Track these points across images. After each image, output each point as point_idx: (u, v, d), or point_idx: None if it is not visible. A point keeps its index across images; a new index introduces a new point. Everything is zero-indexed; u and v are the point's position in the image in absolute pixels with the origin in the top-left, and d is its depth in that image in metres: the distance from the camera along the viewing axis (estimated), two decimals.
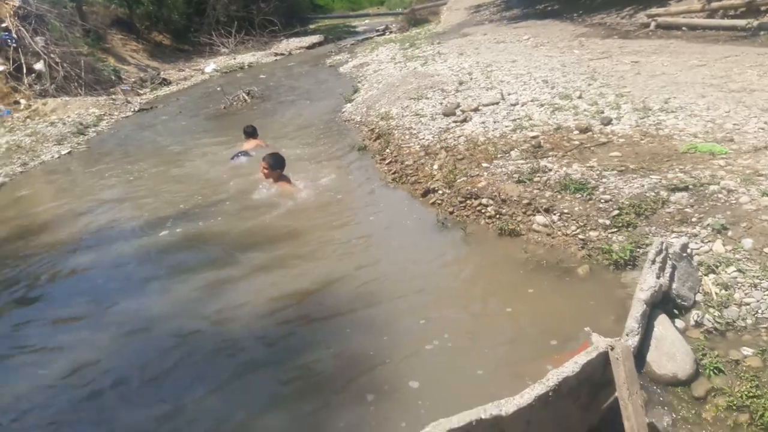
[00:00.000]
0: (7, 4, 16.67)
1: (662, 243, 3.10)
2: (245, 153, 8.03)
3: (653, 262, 3.03)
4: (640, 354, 2.81)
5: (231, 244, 5.22)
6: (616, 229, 4.01)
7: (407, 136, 6.95)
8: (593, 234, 4.07)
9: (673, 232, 3.77)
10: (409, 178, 6.03)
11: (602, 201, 4.26)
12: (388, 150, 6.86)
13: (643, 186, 4.30)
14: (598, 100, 6.54)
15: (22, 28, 16.09)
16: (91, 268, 5.25)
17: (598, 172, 4.67)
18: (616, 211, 4.11)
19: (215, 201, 6.39)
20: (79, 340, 4.01)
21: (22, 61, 15.32)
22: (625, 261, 3.72)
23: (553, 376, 2.27)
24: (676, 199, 4.02)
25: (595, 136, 5.55)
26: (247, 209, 6.03)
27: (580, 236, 4.10)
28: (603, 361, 2.34)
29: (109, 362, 3.71)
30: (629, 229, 3.96)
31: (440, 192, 5.43)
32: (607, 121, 5.77)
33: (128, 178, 8.01)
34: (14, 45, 15.48)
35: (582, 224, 4.17)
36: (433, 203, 5.39)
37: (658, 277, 2.99)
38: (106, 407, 3.31)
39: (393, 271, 4.35)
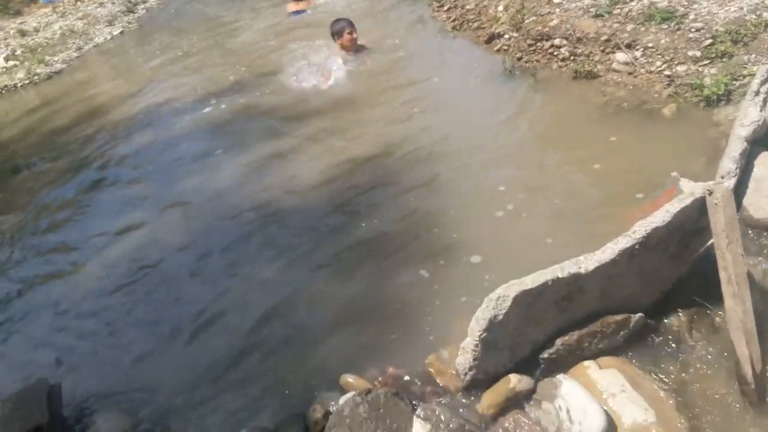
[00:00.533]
0: None
1: None
2: (300, 12, 7.82)
3: (757, 93, 2.68)
4: (736, 196, 2.56)
5: (286, 114, 5.07)
6: (708, 61, 3.57)
7: None
8: (681, 69, 3.65)
9: None
10: (471, 24, 5.57)
11: (693, 30, 3.76)
12: None
13: (741, 8, 3.75)
14: None
15: None
16: (149, 148, 5.27)
17: None
18: (709, 40, 3.63)
19: (267, 71, 6.18)
20: (143, 220, 4.09)
21: None
22: (718, 96, 3.34)
23: (641, 228, 2.10)
24: None
25: None
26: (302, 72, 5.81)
27: (666, 72, 3.69)
28: (699, 207, 2.13)
29: (174, 240, 3.79)
30: (724, 59, 3.52)
31: (507, 36, 4.99)
32: None
33: (179, 55, 7.84)
34: None
35: (669, 58, 3.73)
36: (499, 50, 4.99)
37: (761, 110, 2.65)
38: (173, 281, 3.43)
39: (458, 130, 4.10)
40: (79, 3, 13.02)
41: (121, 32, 10.63)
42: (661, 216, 2.11)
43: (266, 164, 4.39)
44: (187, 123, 5.53)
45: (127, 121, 6.03)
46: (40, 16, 12.23)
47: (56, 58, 9.52)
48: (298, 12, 7.94)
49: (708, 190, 2.09)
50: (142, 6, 12.37)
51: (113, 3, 12.44)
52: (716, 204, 2.07)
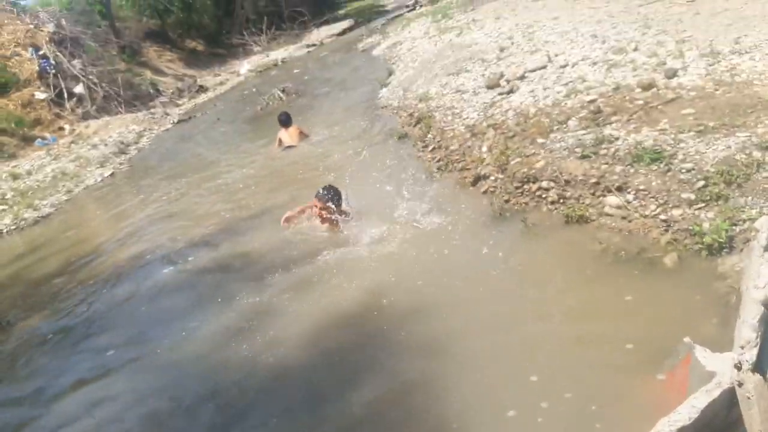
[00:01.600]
0: (42, 30, 16.95)
1: None
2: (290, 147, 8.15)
3: (765, 248, 2.46)
4: (758, 370, 2.26)
5: (270, 264, 4.88)
6: (703, 204, 3.41)
7: (449, 117, 6.43)
8: (677, 212, 3.48)
9: None
10: (455, 165, 5.53)
11: (683, 171, 3.64)
12: (429, 135, 6.38)
13: (729, 147, 3.66)
14: (658, 50, 5.81)
15: (59, 54, 16.33)
16: (131, 299, 5.12)
17: (672, 135, 4.03)
18: (702, 182, 3.50)
19: (255, 214, 6.09)
20: (118, 376, 3.90)
21: (63, 87, 15.54)
22: (720, 244, 3.13)
23: (664, 427, 1.78)
24: None
25: (660, 92, 4.87)
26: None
27: (662, 217, 3.52)
28: (728, 399, 1.83)
29: (146, 399, 3.58)
30: (719, 202, 3.36)
31: (492, 178, 4.91)
32: (672, 73, 5.08)
33: (167, 197, 7.85)
34: (53, 71, 15.72)
35: (662, 202, 3.58)
36: (486, 191, 4.88)
37: None
38: None
39: (447, 279, 3.89)
40: (73, 145, 13.33)
41: (112, 174, 10.78)
42: (687, 412, 1.81)
43: (246, 324, 4.11)
44: (169, 276, 5.36)
45: (107, 272, 5.86)
46: (34, 159, 12.47)
47: (45, 202, 9.54)
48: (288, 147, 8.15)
49: (738, 381, 1.79)
50: (134, 147, 12.67)
51: (106, 145, 12.74)
52: (749, 398, 1.77)
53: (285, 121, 8.66)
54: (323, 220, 5.07)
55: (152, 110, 15.79)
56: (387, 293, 3.93)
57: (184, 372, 3.79)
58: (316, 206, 5.02)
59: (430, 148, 6.09)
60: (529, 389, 2.78)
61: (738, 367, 1.88)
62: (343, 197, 5.09)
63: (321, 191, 5.00)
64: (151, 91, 17.87)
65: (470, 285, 3.76)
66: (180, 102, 17.24)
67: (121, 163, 11.44)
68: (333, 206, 4.94)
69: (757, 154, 3.50)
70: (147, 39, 23.19)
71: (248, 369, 3.61)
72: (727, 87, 4.54)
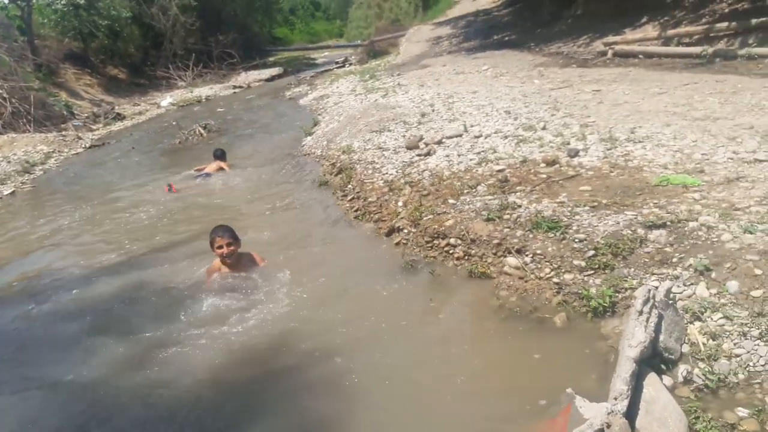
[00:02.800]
0: None
1: (649, 291, 2.87)
2: (207, 174, 8.29)
3: (640, 312, 2.79)
4: (628, 419, 2.52)
5: (175, 295, 4.81)
6: (592, 271, 3.77)
7: (370, 171, 6.68)
8: (568, 277, 3.82)
9: (653, 274, 3.53)
10: (372, 215, 5.74)
11: (576, 240, 4.02)
12: (350, 185, 6.58)
13: (618, 223, 4.08)
14: (563, 131, 6.40)
15: None
16: (23, 321, 4.81)
17: (569, 208, 4.44)
18: (592, 252, 3.87)
19: (161, 246, 5.98)
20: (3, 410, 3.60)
21: None
22: (604, 308, 3.46)
23: None
24: (655, 237, 3.80)
25: (562, 168, 5.36)
26: (195, 256, 5.62)
27: (555, 279, 3.84)
28: None
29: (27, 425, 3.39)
30: (606, 271, 3.72)
31: (405, 231, 5.14)
32: (574, 153, 5.61)
33: (70, 222, 7.52)
34: None
35: (556, 266, 3.92)
36: (398, 243, 5.09)
37: (645, 330, 2.73)
38: None
39: (354, 323, 3.99)
40: None
41: (13, 192, 10.17)
42: None
43: (146, 355, 3.99)
44: (65, 302, 5.10)
45: (2, 291, 5.48)
46: None
47: None
48: (203, 174, 8.14)
49: (606, 423, 2.02)
50: (40, 167, 12.06)
51: (9, 162, 12.06)
52: None
53: (220, 156, 9.18)
54: (226, 262, 4.82)
55: (64, 132, 15.14)
56: (294, 334, 3.97)
57: (73, 398, 3.61)
58: (221, 246, 4.71)
59: (350, 197, 6.28)
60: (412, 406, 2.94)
61: (609, 412, 2.11)
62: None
63: (219, 231, 4.78)
64: (65, 113, 17.20)
65: (376, 330, 3.88)
66: (95, 127, 16.66)
67: (23, 183, 10.83)
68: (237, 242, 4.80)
69: (641, 231, 3.92)
70: (66, 60, 22.44)
71: (144, 401, 3.50)
72: (621, 170, 5.07)
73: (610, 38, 12.11)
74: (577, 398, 2.61)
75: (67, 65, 22.22)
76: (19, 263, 6.24)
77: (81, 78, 22.31)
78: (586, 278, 3.75)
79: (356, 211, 5.96)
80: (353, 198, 6.25)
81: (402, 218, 5.28)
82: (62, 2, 22.13)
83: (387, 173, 6.41)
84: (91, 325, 4.61)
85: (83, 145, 14.02)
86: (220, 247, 4.71)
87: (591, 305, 3.50)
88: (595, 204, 4.43)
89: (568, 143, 5.94)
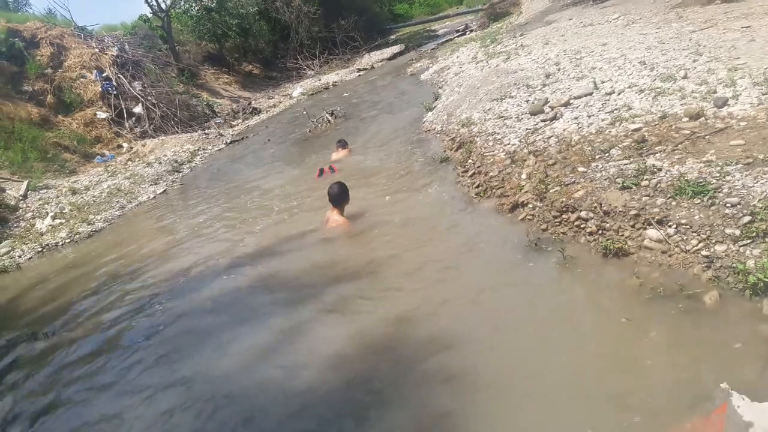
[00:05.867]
0: (106, 54, 17.81)
1: None
2: (331, 168, 8.36)
3: None
4: None
5: (305, 284, 4.96)
6: (749, 241, 3.24)
7: (491, 143, 6.38)
8: (720, 248, 3.31)
9: None
10: (494, 191, 5.46)
11: (728, 205, 3.48)
12: (470, 160, 6.33)
13: None
14: (708, 78, 5.62)
15: (121, 76, 17.12)
16: (171, 315, 5.20)
17: (719, 167, 3.87)
18: (748, 217, 3.33)
19: (295, 237, 6.16)
20: (148, 400, 3.90)
21: (123, 107, 16.28)
22: (766, 284, 2.96)
23: None
24: None
25: (709, 121, 4.70)
26: (325, 242, 5.75)
27: (704, 252, 3.36)
28: None
29: (169, 425, 3.58)
30: (767, 239, 3.18)
31: (531, 206, 4.82)
32: (722, 102, 4.89)
33: (214, 216, 8.05)
34: (115, 92, 16.49)
35: (705, 237, 3.42)
36: (523, 219, 4.79)
37: None
38: None
39: (479, 309, 3.81)
40: (129, 163, 13.88)
41: (164, 191, 11.14)
42: None
43: (276, 345, 4.15)
44: (208, 294, 5.45)
45: (150, 288, 6.02)
46: (93, 175, 13.01)
47: (99, 217, 9.93)
48: (323, 172, 8.31)
49: None
50: (187, 165, 13.07)
51: (160, 163, 13.21)
52: None
53: (343, 144, 9.46)
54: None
55: (207, 131, 16.30)
56: (416, 322, 3.88)
57: (215, 390, 3.81)
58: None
59: (470, 173, 6.03)
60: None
61: None
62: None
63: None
64: (207, 112, 18.49)
65: (501, 318, 3.66)
66: (234, 123, 17.74)
67: (173, 181, 11.83)
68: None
69: None
70: (205, 62, 24.11)
71: (275, 390, 3.63)
72: None
73: None
74: (734, 395, 2.23)
75: (206, 67, 23.89)
76: (167, 259, 6.79)
77: (219, 77, 23.86)
78: (741, 249, 3.23)
79: (477, 187, 5.71)
80: (474, 173, 6.00)
81: (526, 192, 4.96)
82: (196, 8, 23.72)
83: (509, 144, 6.07)
84: (232, 315, 4.91)
85: (224, 141, 15.00)
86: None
87: (749, 281, 3.01)
88: (750, 161, 3.82)
89: (715, 91, 5.21)
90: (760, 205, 3.34)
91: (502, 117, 7.00)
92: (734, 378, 2.41)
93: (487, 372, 3.20)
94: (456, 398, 3.06)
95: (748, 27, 7.11)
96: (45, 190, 11.82)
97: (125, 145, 15.30)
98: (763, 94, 4.80)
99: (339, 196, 5.82)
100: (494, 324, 3.60)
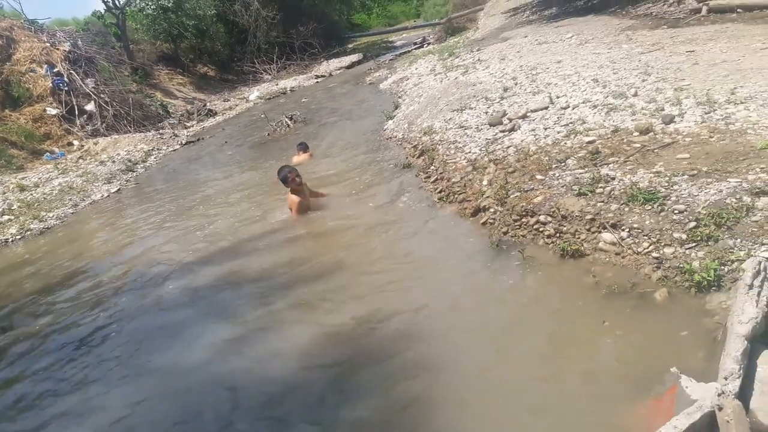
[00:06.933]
0: (57, 49, 17.32)
1: (760, 263, 2.65)
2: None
3: (750, 286, 2.59)
4: (741, 400, 2.36)
5: (271, 282, 5.05)
6: (694, 244, 3.54)
7: (452, 151, 6.61)
8: (668, 251, 3.60)
9: (762, 244, 3.27)
10: (456, 196, 5.68)
11: (676, 212, 3.79)
12: (432, 167, 6.54)
13: (720, 191, 3.80)
14: (656, 97, 6.01)
15: (73, 72, 16.68)
16: (133, 313, 5.19)
17: (667, 178, 4.19)
18: (693, 223, 3.63)
19: (257, 234, 6.23)
20: (114, 391, 3.94)
21: (74, 104, 15.87)
22: (709, 282, 3.25)
23: None
24: (763, 204, 3.51)
25: (657, 136, 5.05)
26: (288, 242, 5.84)
27: (654, 254, 3.64)
28: (708, 423, 1.93)
29: (141, 415, 3.62)
30: (710, 243, 3.48)
31: (492, 210, 5.05)
32: (669, 119, 5.26)
33: (172, 215, 7.99)
34: (66, 88, 16.05)
35: (655, 240, 3.71)
36: (485, 223, 5.01)
37: (757, 305, 2.54)
38: None
39: (444, 306, 4.00)
40: (81, 161, 13.55)
41: (119, 190, 10.95)
42: None
43: (247, 338, 4.21)
44: (171, 290, 5.47)
45: (109, 284, 5.97)
46: (42, 172, 12.65)
47: (51, 214, 9.68)
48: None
49: (718, 405, 1.90)
50: (142, 165, 12.86)
51: (114, 162, 12.95)
52: (728, 421, 1.87)
53: (304, 147, 9.51)
54: (299, 189, 6.20)
55: (161, 131, 16.06)
56: (385, 315, 4.02)
57: (184, 383, 3.86)
58: (297, 176, 6.13)
59: (433, 178, 6.25)
60: (521, 417, 2.87)
61: (720, 393, 1.98)
62: None
63: (286, 168, 6.26)
64: (161, 112, 18.20)
65: (468, 313, 3.86)
66: (189, 124, 17.53)
67: (128, 180, 11.62)
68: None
69: (746, 199, 3.63)
70: (159, 62, 23.72)
71: (248, 380, 3.70)
72: (722, 135, 4.70)
73: None
74: (683, 378, 2.47)
75: (160, 66, 23.51)
76: (127, 255, 6.73)
77: (173, 78, 23.51)
78: (687, 251, 3.53)
79: (440, 192, 5.92)
80: (437, 179, 6.21)
81: (488, 197, 5.18)
82: (152, 7, 23.34)
83: (470, 152, 6.31)
84: (197, 310, 4.94)
85: (180, 142, 14.81)
86: (296, 176, 6.10)
87: (694, 279, 3.30)
88: (695, 172, 4.15)
89: (662, 109, 5.58)
90: (704, 212, 3.64)
91: (462, 127, 7.25)
92: (682, 363, 2.65)
93: (452, 363, 3.38)
94: (422, 388, 3.22)
95: (693, 51, 7.62)
96: None
97: (76, 142, 14.91)
98: (705, 113, 5.18)
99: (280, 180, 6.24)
100: (457, 319, 3.79)
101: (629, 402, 2.69)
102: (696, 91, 5.86)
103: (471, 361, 3.35)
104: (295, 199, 6.22)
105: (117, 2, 21.45)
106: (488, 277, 4.22)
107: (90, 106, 16.13)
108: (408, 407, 3.14)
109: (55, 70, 16.49)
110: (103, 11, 21.19)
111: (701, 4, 10.95)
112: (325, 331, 4.03)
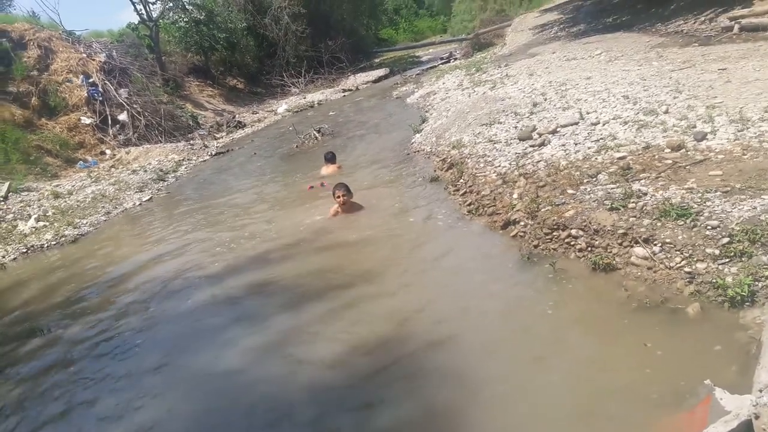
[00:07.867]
0: (93, 60, 17.81)
1: None
2: (322, 184, 8.51)
3: None
4: None
5: (301, 289, 5.15)
6: (727, 260, 3.56)
7: (482, 164, 6.67)
8: (701, 266, 3.62)
9: None
10: (486, 209, 5.74)
11: (709, 228, 3.80)
12: (462, 180, 6.61)
13: (755, 208, 3.81)
14: (688, 114, 6.02)
15: (108, 82, 17.13)
16: (165, 320, 5.32)
17: (699, 194, 4.21)
18: (726, 239, 3.65)
19: (287, 243, 6.35)
20: (150, 396, 4.03)
21: (108, 113, 16.27)
22: (743, 297, 3.27)
23: None
24: None
25: (689, 153, 5.07)
26: (318, 250, 5.94)
27: (686, 269, 3.66)
28: (745, 431, 1.96)
29: (175, 420, 3.71)
30: (743, 258, 3.50)
31: (522, 223, 5.10)
32: (701, 136, 5.28)
33: (203, 224, 8.17)
34: (100, 98, 16.48)
35: (687, 255, 3.73)
36: (515, 236, 5.06)
37: None
38: None
39: (475, 318, 4.05)
40: (113, 169, 13.88)
41: (150, 198, 11.20)
42: None
43: (277, 346, 4.31)
44: (204, 296, 5.59)
45: (141, 290, 6.12)
46: (75, 180, 12.98)
47: (84, 221, 9.94)
48: (320, 184, 8.49)
49: (755, 414, 1.93)
50: (173, 175, 13.13)
51: (145, 171, 13.24)
52: (765, 430, 1.90)
53: (331, 159, 9.61)
54: (341, 208, 6.82)
55: (191, 141, 16.39)
56: (414, 324, 4.10)
57: (216, 387, 3.96)
58: (339, 196, 6.78)
59: (462, 191, 6.32)
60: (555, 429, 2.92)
61: (755, 405, 2.01)
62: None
63: (339, 186, 6.86)
64: (191, 123, 18.56)
65: (498, 324, 3.91)
66: (218, 135, 17.85)
67: (159, 189, 11.88)
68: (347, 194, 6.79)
69: None
70: (190, 74, 24.20)
71: (278, 387, 3.79)
72: (755, 152, 4.71)
73: (737, 11, 11.14)
74: (717, 390, 2.50)
75: (191, 78, 24.00)
76: (157, 262, 6.89)
77: (204, 89, 23.98)
78: (720, 267, 3.55)
79: (469, 205, 5.99)
80: (465, 192, 6.28)
81: (518, 210, 5.24)
82: (185, 19, 23.89)
83: (499, 166, 6.37)
84: (230, 316, 5.06)
85: (209, 153, 15.10)
86: (338, 197, 6.77)
87: (727, 294, 3.32)
88: (728, 189, 4.16)
89: (694, 126, 5.59)
90: (738, 228, 3.66)
91: (491, 141, 7.31)
92: (715, 377, 2.67)
93: (482, 373, 3.43)
94: (454, 396, 3.27)
95: (725, 69, 7.60)
96: (26, 193, 11.78)
97: (108, 151, 15.29)
98: (738, 131, 5.18)
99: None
100: (489, 330, 3.85)
101: (662, 414, 2.71)
102: (729, 108, 5.85)
103: (501, 371, 3.40)
104: (334, 206, 6.87)
105: (151, 15, 22.02)
106: (520, 290, 4.26)
107: (123, 116, 16.54)
108: (437, 416, 3.19)
109: (91, 80, 16.95)
110: (137, 23, 21.75)
111: (733, 22, 10.90)
112: (355, 339, 4.10)
